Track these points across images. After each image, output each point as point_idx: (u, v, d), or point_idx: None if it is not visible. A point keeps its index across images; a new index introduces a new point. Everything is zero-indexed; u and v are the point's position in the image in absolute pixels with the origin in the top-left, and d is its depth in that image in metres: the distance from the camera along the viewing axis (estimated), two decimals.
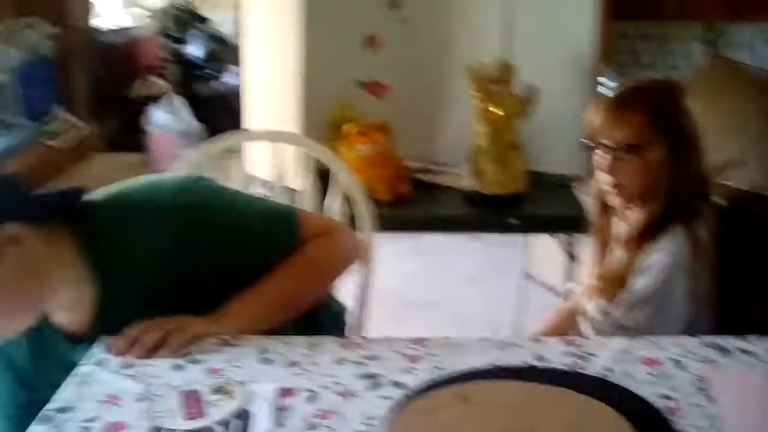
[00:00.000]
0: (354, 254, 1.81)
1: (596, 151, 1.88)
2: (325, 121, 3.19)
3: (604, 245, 2.00)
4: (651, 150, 1.83)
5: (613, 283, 1.91)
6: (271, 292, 1.65)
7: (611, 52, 5.09)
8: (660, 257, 1.83)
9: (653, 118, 1.83)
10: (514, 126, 2.98)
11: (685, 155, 1.86)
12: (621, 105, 1.86)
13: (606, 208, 1.97)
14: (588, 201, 2.02)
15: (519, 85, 2.99)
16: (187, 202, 1.63)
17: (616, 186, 1.87)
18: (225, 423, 1.29)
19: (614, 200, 1.91)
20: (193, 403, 1.35)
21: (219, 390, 1.38)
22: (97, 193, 1.63)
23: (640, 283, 1.85)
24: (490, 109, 2.93)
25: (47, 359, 1.64)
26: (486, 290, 3.90)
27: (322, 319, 1.87)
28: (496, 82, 2.95)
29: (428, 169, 3.34)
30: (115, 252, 1.57)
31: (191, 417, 1.32)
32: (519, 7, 3.42)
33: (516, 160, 2.99)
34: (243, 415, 1.31)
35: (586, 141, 1.90)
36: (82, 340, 1.60)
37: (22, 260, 1.44)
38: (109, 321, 1.57)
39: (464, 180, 3.08)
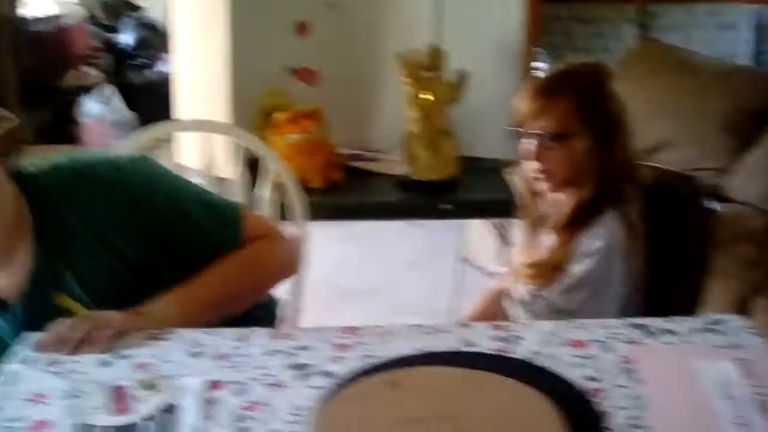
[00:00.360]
0: (293, 263, 1.78)
1: (523, 138, 1.89)
2: (255, 109, 3.18)
3: (533, 230, 2.02)
4: (577, 138, 1.84)
5: (547, 270, 1.92)
6: (205, 291, 1.63)
7: (542, 35, 5.13)
8: (596, 242, 1.85)
9: (579, 106, 1.84)
10: (446, 112, 2.99)
11: (612, 141, 1.88)
12: (546, 93, 1.87)
13: (534, 194, 1.98)
14: (517, 186, 2.03)
15: (449, 70, 3.00)
16: (132, 178, 1.61)
17: (543, 172, 1.89)
18: (151, 418, 1.28)
19: (541, 186, 1.92)
20: (120, 398, 1.34)
21: (146, 385, 1.37)
22: (41, 161, 1.61)
23: (578, 267, 1.87)
24: (421, 95, 2.94)
25: None
26: (423, 276, 3.90)
27: (254, 313, 1.86)
28: (427, 68, 2.96)
29: (361, 155, 3.34)
30: (56, 218, 1.56)
31: (118, 413, 1.31)
32: None
33: (448, 146, 3.00)
34: (170, 410, 1.30)
35: (514, 128, 1.91)
36: (7, 307, 1.59)
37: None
38: (40, 289, 1.57)
39: (397, 166, 3.09)
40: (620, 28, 5.55)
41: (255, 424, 1.27)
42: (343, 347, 1.49)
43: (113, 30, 6.37)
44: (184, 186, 1.73)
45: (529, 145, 1.88)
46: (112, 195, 1.58)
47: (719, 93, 3.66)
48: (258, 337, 1.54)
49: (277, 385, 1.37)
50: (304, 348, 1.49)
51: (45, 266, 1.58)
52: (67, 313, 1.57)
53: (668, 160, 3.69)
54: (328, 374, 1.40)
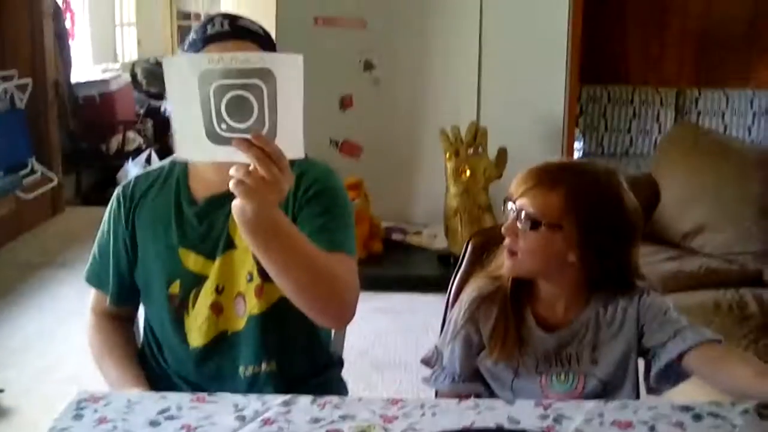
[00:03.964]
0: (349, 309, 1.76)
1: (506, 211, 1.76)
2: None
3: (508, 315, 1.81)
4: (553, 231, 1.72)
5: None
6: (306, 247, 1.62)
7: (581, 116, 5.19)
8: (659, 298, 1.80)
9: (567, 201, 1.71)
10: (486, 188, 3.02)
11: (610, 248, 1.75)
12: (540, 175, 1.75)
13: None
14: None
15: (490, 147, 3.04)
16: (335, 181, 1.86)
17: (510, 251, 1.76)
18: None
19: (507, 264, 1.78)
20: None
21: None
22: None
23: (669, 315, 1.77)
24: (463, 171, 2.97)
25: None
26: None
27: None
28: (468, 145, 3.00)
29: (401, 228, 3.37)
30: None
31: None
32: (491, 72, 3.49)
33: (488, 221, 3.02)
34: None
35: (506, 199, 1.77)
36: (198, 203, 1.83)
37: None
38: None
39: (437, 240, 3.11)
40: (659, 110, 5.60)
41: None
42: (389, 419, 1.49)
43: (157, 96, 6.49)
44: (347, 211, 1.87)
45: (509, 219, 1.76)
46: (320, 181, 1.81)
47: (757, 178, 3.67)
48: (303, 404, 1.55)
49: None
50: (349, 417, 1.50)
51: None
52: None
53: (707, 244, 3.69)
54: None
